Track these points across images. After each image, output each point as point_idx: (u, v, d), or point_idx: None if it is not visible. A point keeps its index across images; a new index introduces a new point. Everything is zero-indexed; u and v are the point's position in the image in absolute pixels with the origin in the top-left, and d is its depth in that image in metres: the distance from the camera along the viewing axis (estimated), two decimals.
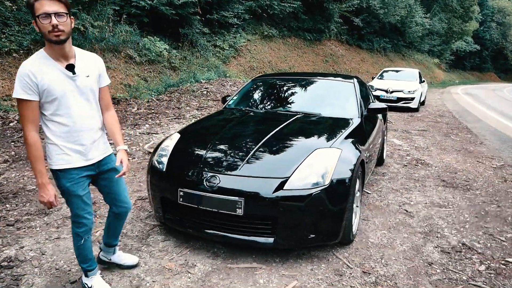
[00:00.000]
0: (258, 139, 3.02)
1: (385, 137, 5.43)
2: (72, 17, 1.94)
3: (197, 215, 2.76)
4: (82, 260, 2.33)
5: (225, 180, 2.64)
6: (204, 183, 2.66)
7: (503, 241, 3.19)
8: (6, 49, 9.35)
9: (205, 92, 11.42)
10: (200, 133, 3.42)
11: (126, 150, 2.27)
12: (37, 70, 1.92)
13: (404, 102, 10.93)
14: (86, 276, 2.37)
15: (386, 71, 13.16)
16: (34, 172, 2.01)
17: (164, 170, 2.94)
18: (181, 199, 2.73)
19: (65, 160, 2.07)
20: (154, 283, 2.48)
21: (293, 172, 2.63)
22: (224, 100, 4.52)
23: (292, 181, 2.59)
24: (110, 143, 2.36)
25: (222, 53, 16.47)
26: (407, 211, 3.74)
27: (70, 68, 2.02)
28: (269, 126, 3.31)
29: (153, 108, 9.79)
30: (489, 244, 3.12)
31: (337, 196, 2.66)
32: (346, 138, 3.16)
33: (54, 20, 1.86)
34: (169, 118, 8.58)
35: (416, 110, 11.17)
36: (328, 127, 3.44)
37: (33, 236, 3.07)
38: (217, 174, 2.68)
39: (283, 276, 2.58)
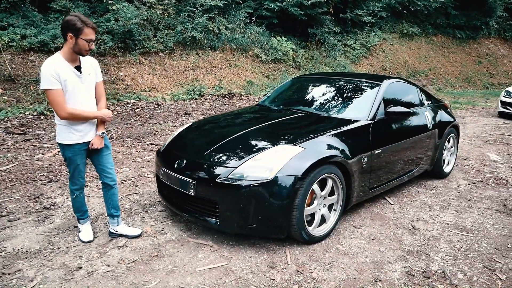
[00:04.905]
0: (236, 132, 3.27)
1: (449, 150, 4.78)
2: None
3: (169, 191, 3.22)
4: (75, 210, 3.09)
5: (188, 164, 3.03)
6: (175, 164, 3.09)
7: (500, 279, 2.63)
8: (154, 49, 11.45)
9: None
10: (205, 123, 3.83)
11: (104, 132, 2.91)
12: (57, 68, 2.62)
13: None
14: (79, 222, 3.13)
15: None
16: (91, 118, 2.77)
17: (161, 151, 3.50)
18: (161, 177, 3.24)
19: (70, 138, 2.79)
20: (124, 239, 3.06)
21: (242, 163, 2.82)
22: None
23: (238, 171, 2.78)
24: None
25: (352, 52, 16.17)
26: (414, 227, 3.37)
27: (78, 68, 2.73)
28: (261, 122, 3.50)
29: None
30: (475, 279, 2.63)
31: (280, 192, 2.72)
32: (330, 136, 3.12)
33: (93, 46, 2.65)
34: None
35: None
36: (315, 125, 3.40)
37: None
38: (186, 158, 3.08)
39: (221, 257, 2.82)
